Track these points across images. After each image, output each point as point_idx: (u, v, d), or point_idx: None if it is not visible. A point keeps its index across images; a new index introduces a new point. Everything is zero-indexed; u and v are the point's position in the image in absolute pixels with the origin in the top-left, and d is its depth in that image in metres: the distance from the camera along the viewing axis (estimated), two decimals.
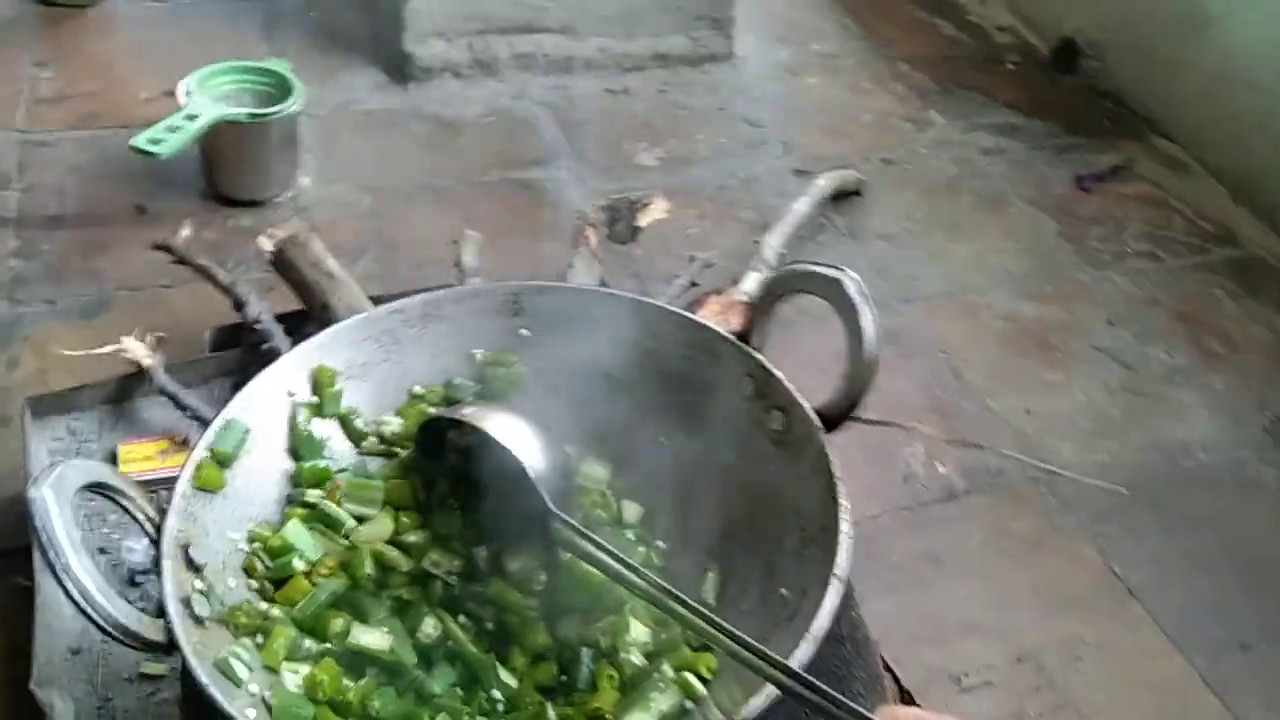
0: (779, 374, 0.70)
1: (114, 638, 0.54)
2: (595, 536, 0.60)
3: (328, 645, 0.62)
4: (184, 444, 1.01)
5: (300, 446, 0.71)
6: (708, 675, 0.62)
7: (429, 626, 0.64)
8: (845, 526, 0.61)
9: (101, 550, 0.98)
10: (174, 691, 0.91)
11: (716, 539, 0.70)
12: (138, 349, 1.00)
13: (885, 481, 1.15)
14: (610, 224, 1.19)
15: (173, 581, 0.58)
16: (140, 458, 1.01)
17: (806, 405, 0.68)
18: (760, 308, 0.73)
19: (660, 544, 0.71)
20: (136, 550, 0.98)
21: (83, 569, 0.54)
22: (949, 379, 1.27)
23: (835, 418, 0.67)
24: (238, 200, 1.36)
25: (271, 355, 0.95)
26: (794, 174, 1.53)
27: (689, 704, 0.60)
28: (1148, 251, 1.49)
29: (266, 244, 1.05)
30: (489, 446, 0.64)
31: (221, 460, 0.66)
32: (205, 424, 0.93)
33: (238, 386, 1.01)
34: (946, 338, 1.32)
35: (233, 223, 1.34)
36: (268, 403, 0.70)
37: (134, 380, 1.03)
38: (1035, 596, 1.04)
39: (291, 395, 0.72)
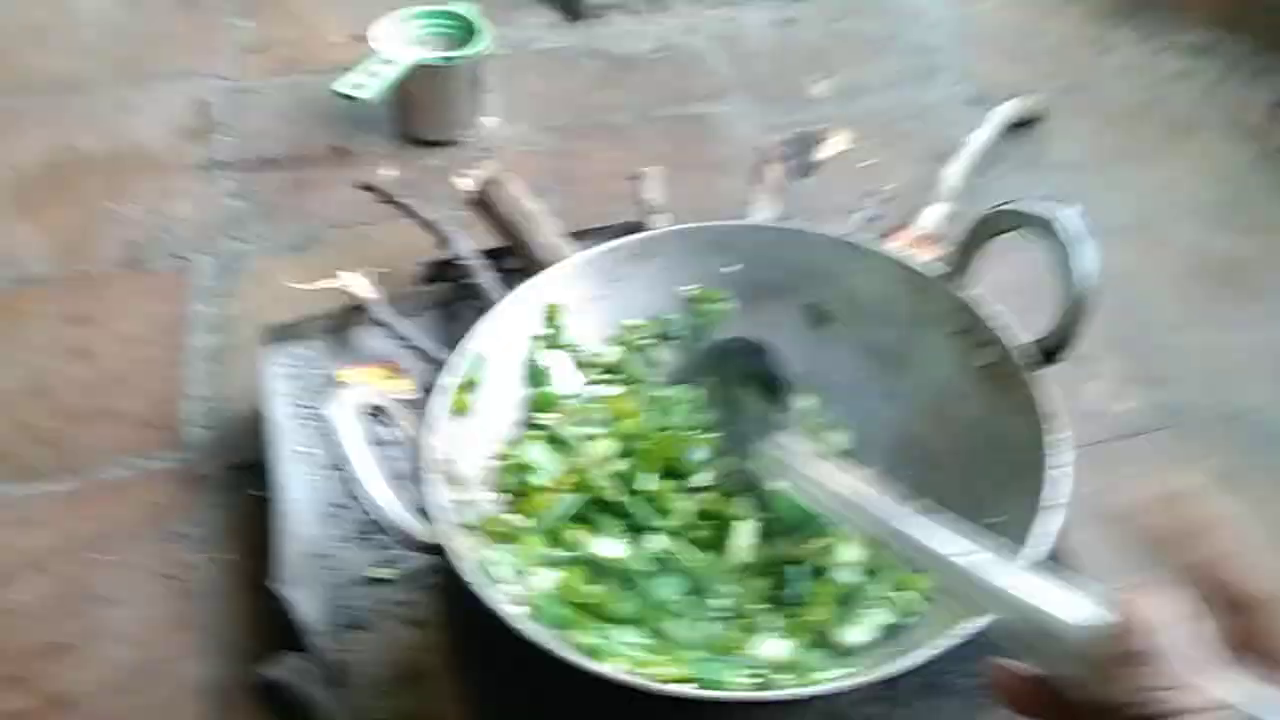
0: (990, 310, 0.72)
1: (399, 543, 0.62)
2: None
3: (572, 553, 0.69)
4: (399, 370, 1.10)
5: (533, 376, 0.77)
6: (926, 594, 0.66)
7: (654, 542, 0.70)
8: (1061, 459, 0.63)
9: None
10: (398, 594, 1.00)
11: (924, 471, 0.73)
12: (359, 284, 1.09)
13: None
14: (789, 158, 1.20)
15: (436, 494, 0.65)
16: (359, 382, 1.11)
17: (1018, 342, 0.70)
18: (968, 247, 0.74)
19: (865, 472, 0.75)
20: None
21: (373, 478, 0.62)
22: (1132, 314, 1.25)
23: (1050, 351, 0.69)
24: (427, 140, 1.43)
25: (477, 290, 1.02)
26: (971, 103, 1.50)
27: (906, 619, 0.63)
28: None
29: (467, 184, 1.12)
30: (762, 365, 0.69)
31: (468, 387, 0.72)
32: (421, 352, 1.01)
33: (449, 318, 1.09)
34: (1130, 271, 1.29)
35: (423, 162, 1.41)
36: (504, 335, 0.76)
37: (352, 312, 1.12)
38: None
39: (529, 332, 0.77)
